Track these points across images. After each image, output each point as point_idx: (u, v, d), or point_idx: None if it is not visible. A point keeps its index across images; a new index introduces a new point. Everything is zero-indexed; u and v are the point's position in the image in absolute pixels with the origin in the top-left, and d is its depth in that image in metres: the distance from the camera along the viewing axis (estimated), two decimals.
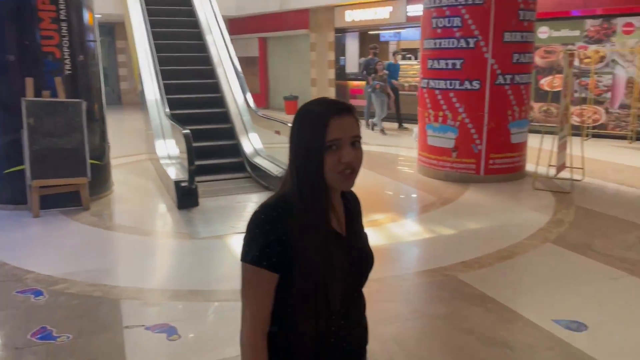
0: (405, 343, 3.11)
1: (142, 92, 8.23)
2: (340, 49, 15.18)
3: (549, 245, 4.67)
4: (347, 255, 1.30)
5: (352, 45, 15.43)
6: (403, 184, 7.19)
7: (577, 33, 10.22)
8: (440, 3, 6.74)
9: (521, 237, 4.85)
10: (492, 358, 2.94)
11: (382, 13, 13.35)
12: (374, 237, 4.82)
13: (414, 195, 6.81)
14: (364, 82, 13.48)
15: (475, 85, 6.69)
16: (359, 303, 1.40)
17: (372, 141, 9.89)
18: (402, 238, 5.08)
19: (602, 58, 10.04)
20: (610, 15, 9.83)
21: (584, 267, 4.20)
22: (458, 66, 6.74)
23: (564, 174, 6.69)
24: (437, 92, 7.01)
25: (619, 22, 9.74)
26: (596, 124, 10.23)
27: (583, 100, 10.20)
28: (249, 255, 1.23)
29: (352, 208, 1.42)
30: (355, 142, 1.24)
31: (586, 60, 10.13)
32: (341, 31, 14.95)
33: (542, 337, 3.11)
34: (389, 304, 3.65)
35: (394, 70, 11.88)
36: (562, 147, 6.61)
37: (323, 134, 1.20)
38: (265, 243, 1.21)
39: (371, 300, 1.48)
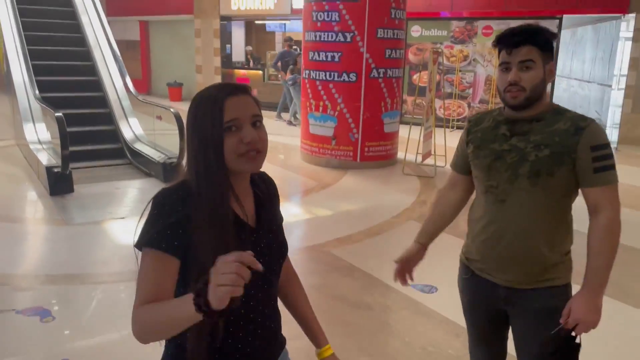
0: (281, 308, 3.37)
1: (7, 73, 7.67)
2: (226, 37, 15.11)
3: (412, 222, 5.20)
4: (254, 248, 1.13)
5: (238, 33, 15.43)
6: (287, 171, 7.48)
7: (444, 33, 11.18)
8: None
9: (389, 216, 5.35)
10: (356, 318, 3.30)
11: (267, 3, 13.51)
12: None
13: (296, 181, 7.12)
14: (256, 72, 13.59)
15: (352, 77, 7.14)
16: (267, 303, 1.28)
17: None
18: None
19: (465, 57, 11.10)
20: (473, 18, 10.89)
21: (439, 240, 4.75)
22: (337, 59, 7.14)
23: (430, 160, 7.39)
24: (317, 82, 7.37)
25: (480, 24, 10.83)
26: (460, 116, 11.30)
27: (449, 95, 11.22)
28: (144, 238, 1.13)
29: (265, 193, 1.33)
30: (256, 122, 1.18)
31: (452, 59, 11.13)
32: (227, 19, 14.88)
33: (399, 299, 3.54)
34: None
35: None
36: (427, 137, 7.28)
37: (219, 115, 1.14)
38: (164, 224, 1.12)
39: None
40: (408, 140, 7.20)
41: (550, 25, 10.15)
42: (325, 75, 7.25)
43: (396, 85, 7.49)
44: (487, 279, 1.80)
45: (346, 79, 7.15)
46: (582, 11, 9.88)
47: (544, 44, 1.63)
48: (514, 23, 9.73)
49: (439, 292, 3.67)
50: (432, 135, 7.41)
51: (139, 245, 1.14)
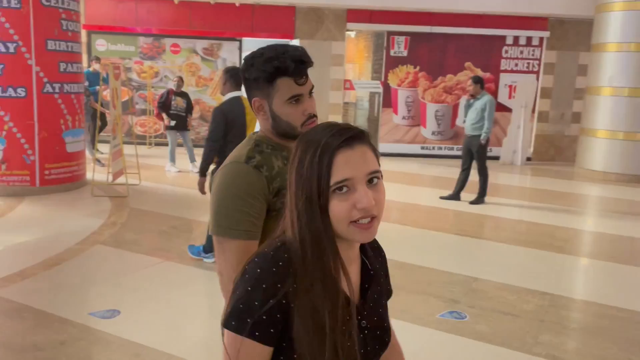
0: None
1: None
2: None
3: (99, 246, 4.91)
4: (360, 335, 1.03)
5: None
6: None
7: (132, 48, 10.97)
8: None
9: (72, 243, 4.93)
10: None
11: None
12: None
13: None
14: None
15: (21, 92, 6.36)
16: None
17: None
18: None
19: (156, 73, 11.10)
20: (160, 35, 10.96)
21: (127, 261, 4.61)
22: None
23: (122, 179, 7.12)
24: None
25: (168, 42, 10.98)
26: (158, 133, 11.24)
27: (143, 112, 11.05)
28: (234, 321, 0.96)
29: (374, 264, 1.13)
30: (373, 178, 0.98)
31: (143, 75, 11.00)
32: None
33: (75, 330, 3.28)
34: None
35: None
36: (116, 155, 7.00)
37: (327, 172, 0.95)
38: (260, 307, 0.94)
39: None
40: (94, 160, 6.78)
41: (232, 46, 11.00)
42: None
43: (77, 102, 6.97)
44: None
45: (13, 94, 6.32)
46: (256, 35, 10.95)
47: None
48: (200, 42, 10.16)
49: (122, 315, 3.54)
50: (121, 153, 7.15)
51: (228, 327, 0.97)
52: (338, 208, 0.95)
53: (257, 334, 0.94)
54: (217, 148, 4.11)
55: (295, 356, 0.97)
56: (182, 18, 10.76)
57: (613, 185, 8.86)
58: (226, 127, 4.09)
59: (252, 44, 14.58)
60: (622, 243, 5.77)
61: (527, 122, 10.55)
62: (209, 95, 11.14)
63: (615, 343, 3.39)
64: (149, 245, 5.05)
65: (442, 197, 7.21)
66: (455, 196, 7.07)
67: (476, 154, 6.89)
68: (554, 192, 8.25)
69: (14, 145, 6.43)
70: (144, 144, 10.80)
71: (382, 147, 10.74)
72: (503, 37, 10.86)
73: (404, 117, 11.18)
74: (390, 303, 1.22)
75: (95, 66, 9.30)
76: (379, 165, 1.01)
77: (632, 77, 8.95)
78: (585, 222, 6.82)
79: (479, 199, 6.99)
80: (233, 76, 4.22)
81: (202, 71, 11.06)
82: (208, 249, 4.51)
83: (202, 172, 4.26)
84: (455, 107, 11.04)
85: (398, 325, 1.52)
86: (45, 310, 3.55)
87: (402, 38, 10.85)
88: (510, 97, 10.93)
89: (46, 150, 6.61)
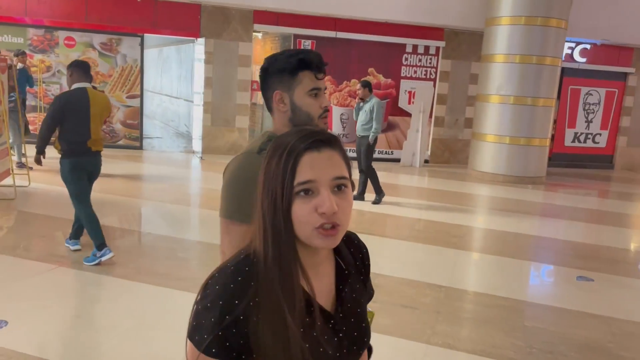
0: None
1: None
2: None
3: None
4: (332, 338, 1.00)
5: None
6: None
7: (21, 40, 10.15)
8: None
9: None
10: None
11: None
12: None
13: None
14: None
15: None
16: None
17: None
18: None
19: (48, 68, 10.36)
20: (53, 27, 10.24)
21: (14, 267, 4.28)
22: None
23: (8, 181, 6.57)
24: None
25: (61, 34, 10.29)
26: None
27: (34, 109, 10.27)
28: (196, 335, 0.96)
29: (351, 264, 1.11)
30: (341, 185, 0.97)
31: (33, 69, 10.21)
32: None
33: None
34: None
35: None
36: (2, 154, 6.45)
37: (291, 174, 0.94)
38: (217, 324, 0.93)
39: None
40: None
41: (133, 42, 10.54)
42: None
43: None
44: None
45: None
46: (159, 32, 10.59)
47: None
48: (97, 37, 9.61)
49: (10, 325, 3.28)
50: (7, 152, 6.60)
51: (191, 339, 0.97)
52: (300, 211, 0.94)
53: (213, 350, 0.94)
54: (50, 130, 4.36)
55: None
56: (77, 10, 10.13)
57: (500, 186, 9.61)
58: (64, 115, 4.27)
59: (154, 41, 14.13)
60: (508, 238, 6.29)
61: (424, 127, 11.14)
62: (108, 92, 10.59)
63: (501, 330, 3.69)
64: (39, 250, 4.72)
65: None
66: (360, 197, 7.30)
67: (363, 153, 7.18)
68: (449, 192, 8.80)
69: None
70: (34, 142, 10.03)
71: None
72: (403, 45, 11.38)
73: None
74: None
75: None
76: (349, 173, 1.00)
77: (517, 86, 9.77)
78: (476, 219, 7.34)
79: (360, 197, 7.27)
80: (79, 67, 4.44)
81: (99, 67, 10.48)
82: (73, 235, 4.67)
83: (38, 150, 4.54)
84: None
85: None
86: None
87: (309, 42, 11.01)
88: (410, 102, 11.48)
89: None
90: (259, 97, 12.82)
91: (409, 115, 11.32)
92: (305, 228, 0.95)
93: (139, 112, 10.84)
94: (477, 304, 4.25)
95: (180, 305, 3.32)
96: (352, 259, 1.14)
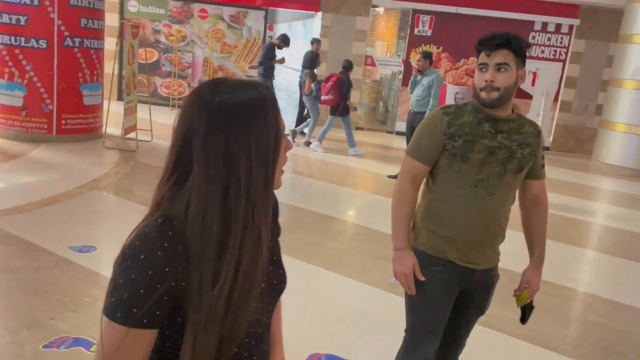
0: None
1: None
2: None
3: (95, 192, 5.23)
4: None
5: None
6: None
7: (162, 11, 11.24)
8: None
9: (71, 186, 5.26)
10: (20, 282, 3.25)
11: None
12: None
13: None
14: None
15: (42, 44, 6.70)
16: (261, 342, 1.06)
17: None
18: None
19: (183, 37, 11.37)
20: (190, 0, 11.19)
21: (117, 206, 4.93)
22: (22, 22, 6.61)
23: (133, 135, 7.44)
24: (1, 47, 6.70)
25: (196, 7, 11.21)
26: (181, 96, 11.57)
27: (169, 74, 11.37)
28: (118, 312, 0.88)
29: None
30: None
31: (171, 38, 11.29)
32: None
33: (51, 260, 3.58)
34: None
35: None
36: (128, 112, 7.31)
37: (282, 126, 1.01)
38: (146, 296, 0.88)
39: None
40: (108, 113, 7.11)
41: (257, 15, 11.13)
42: (10, 40, 6.65)
43: (96, 57, 7.29)
44: (465, 266, 1.89)
45: (35, 45, 6.68)
46: (282, 5, 11.04)
47: (519, 51, 1.80)
48: (227, 9, 10.31)
49: (97, 251, 3.83)
50: (134, 110, 7.46)
51: (111, 317, 0.89)
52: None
53: (145, 321, 0.88)
54: None
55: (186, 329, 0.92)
56: None
57: (626, 180, 8.68)
58: None
59: (287, 15, 14.73)
60: (623, 237, 5.74)
61: (547, 111, 10.37)
62: (232, 62, 11.36)
63: (557, 319, 3.47)
64: (144, 195, 5.34)
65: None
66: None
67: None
68: (567, 183, 8.15)
69: (34, 93, 6.81)
70: (167, 105, 11.15)
71: (399, 126, 10.74)
72: (532, 23, 10.62)
73: None
74: None
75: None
76: None
77: None
78: (592, 214, 6.76)
79: None
80: None
81: (227, 38, 11.27)
82: None
83: None
84: None
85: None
86: (29, 241, 3.87)
87: (427, 17, 10.75)
88: (533, 84, 10.73)
89: (64, 101, 6.98)
90: (377, 74, 12.83)
91: (529, 97, 10.60)
92: (279, 174, 1.01)
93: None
94: (546, 293, 4.00)
95: None
96: None
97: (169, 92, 11.41)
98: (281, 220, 1.19)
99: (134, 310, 0.87)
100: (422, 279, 1.86)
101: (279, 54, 9.20)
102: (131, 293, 0.87)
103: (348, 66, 8.29)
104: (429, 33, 10.85)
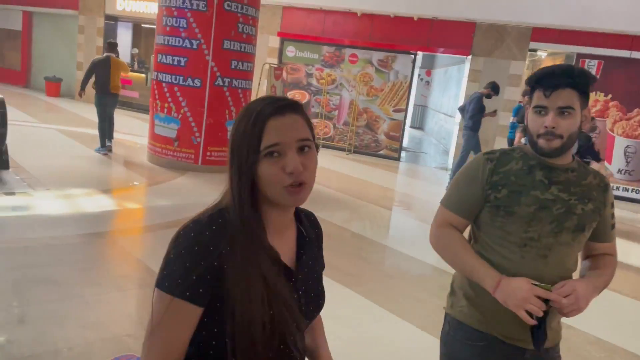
0: None
1: None
2: (110, 37, 14.87)
3: None
4: (293, 295, 1.08)
5: (124, 35, 15.27)
6: (126, 168, 7.55)
7: (316, 56, 11.82)
8: (170, 4, 7.33)
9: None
10: (126, 297, 3.50)
11: (152, 7, 13.54)
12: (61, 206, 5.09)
13: (127, 176, 7.21)
14: (139, 75, 13.51)
15: (197, 83, 7.41)
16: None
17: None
18: (83, 209, 5.44)
19: (333, 80, 11.78)
20: (341, 45, 11.61)
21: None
22: (182, 64, 7.39)
23: None
24: (164, 84, 7.56)
25: (347, 52, 11.57)
26: (326, 136, 11.92)
27: (317, 115, 11.82)
28: (166, 282, 1.00)
29: (308, 234, 1.18)
30: (304, 147, 1.04)
31: (321, 81, 11.77)
32: (113, 19, 14.70)
33: (153, 280, 3.78)
34: None
35: None
36: None
37: (257, 138, 1.01)
38: (191, 269, 0.98)
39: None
40: None
41: (406, 60, 11.10)
42: (171, 78, 7.47)
43: (242, 96, 7.84)
44: (514, 345, 1.54)
45: (191, 83, 7.41)
46: (431, 50, 10.86)
47: (584, 88, 1.47)
48: (376, 54, 10.48)
49: None
50: None
51: (160, 287, 1.01)
52: (268, 171, 1.01)
53: (187, 294, 0.98)
54: (87, 79, 7.92)
55: (230, 314, 0.99)
56: (363, 30, 11.25)
57: None
58: (92, 70, 7.84)
59: (425, 59, 14.54)
60: None
61: None
62: (377, 105, 11.42)
63: None
64: None
65: None
66: None
67: None
68: None
69: (186, 127, 7.53)
70: None
71: None
72: None
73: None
74: None
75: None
76: (313, 135, 1.06)
77: None
78: None
79: None
80: (109, 45, 8.17)
81: (374, 81, 11.40)
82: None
83: (82, 86, 7.97)
84: None
85: None
86: (142, 260, 4.15)
87: (594, 62, 9.70)
88: None
89: (211, 135, 7.59)
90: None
91: None
92: (274, 188, 1.02)
93: (401, 125, 11.35)
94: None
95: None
96: (311, 230, 1.21)
97: (316, 132, 11.81)
98: None
99: (179, 281, 0.98)
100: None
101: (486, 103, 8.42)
102: (178, 266, 0.99)
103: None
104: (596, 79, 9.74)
